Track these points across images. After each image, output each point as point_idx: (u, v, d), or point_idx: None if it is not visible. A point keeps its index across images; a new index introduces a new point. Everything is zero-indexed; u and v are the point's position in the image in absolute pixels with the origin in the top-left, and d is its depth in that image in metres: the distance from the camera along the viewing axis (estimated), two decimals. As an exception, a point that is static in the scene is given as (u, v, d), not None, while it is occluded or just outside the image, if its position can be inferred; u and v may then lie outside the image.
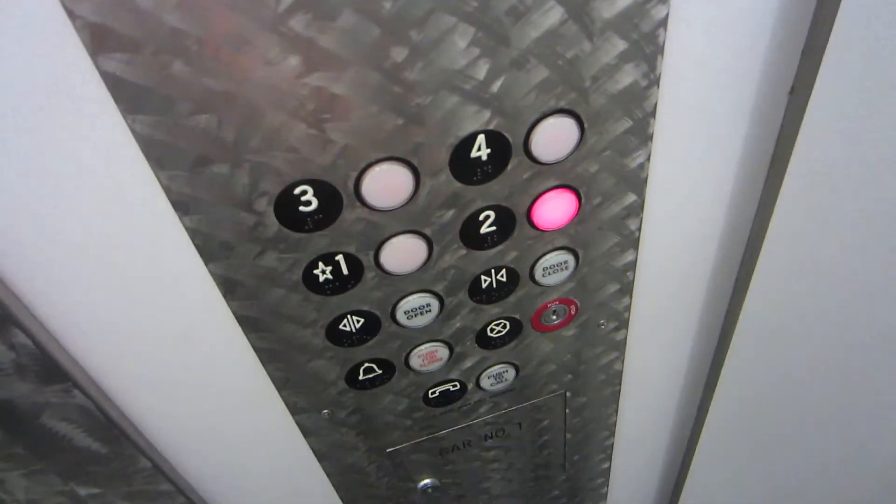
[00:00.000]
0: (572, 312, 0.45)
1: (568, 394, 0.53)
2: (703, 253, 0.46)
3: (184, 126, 0.28)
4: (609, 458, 0.65)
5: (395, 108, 0.30)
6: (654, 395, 0.59)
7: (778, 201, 0.39)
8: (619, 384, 0.55)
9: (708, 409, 0.59)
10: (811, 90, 0.34)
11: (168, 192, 0.30)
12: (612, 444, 0.63)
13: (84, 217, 0.30)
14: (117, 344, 0.36)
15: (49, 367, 0.34)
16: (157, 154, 0.28)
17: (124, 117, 0.27)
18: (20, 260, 0.31)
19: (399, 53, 0.28)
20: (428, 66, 0.29)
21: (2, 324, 0.31)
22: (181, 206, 0.30)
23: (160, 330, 0.37)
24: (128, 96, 0.26)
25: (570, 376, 0.51)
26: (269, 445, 0.47)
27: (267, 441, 0.47)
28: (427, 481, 0.56)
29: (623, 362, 0.53)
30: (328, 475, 0.51)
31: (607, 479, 0.69)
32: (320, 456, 0.49)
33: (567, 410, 0.55)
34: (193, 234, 0.32)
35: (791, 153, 0.37)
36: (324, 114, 0.29)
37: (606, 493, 0.72)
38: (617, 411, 0.58)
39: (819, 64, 0.33)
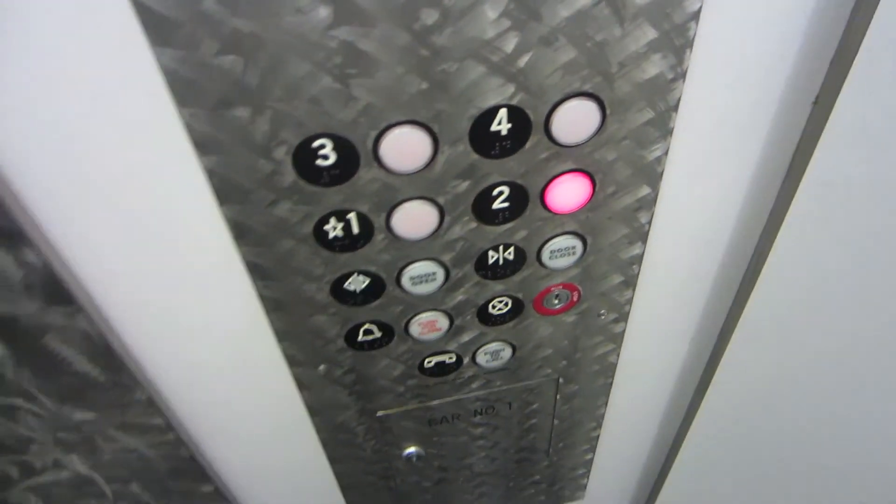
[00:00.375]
0: (574, 299, 0.46)
1: (561, 380, 0.54)
2: (709, 255, 0.46)
3: (210, 64, 0.28)
4: (593, 450, 0.66)
5: (420, 72, 0.30)
6: (644, 393, 0.60)
7: (790, 210, 0.39)
8: (613, 377, 0.55)
9: (695, 414, 0.60)
10: (835, 102, 0.34)
11: (189, 129, 0.30)
12: (598, 436, 0.64)
13: (103, 144, 0.31)
14: (125, 274, 0.37)
15: (56, 289, 0.35)
16: (182, 90, 0.29)
17: (152, 49, 0.27)
18: (36, 181, 0.32)
19: (429, 16, 0.28)
20: (457, 32, 0.29)
21: (14, 241, 0.32)
22: (201, 145, 0.31)
23: (168, 266, 0.37)
24: (158, 27, 0.27)
25: (564, 363, 0.52)
26: (263, 395, 0.48)
27: (262, 390, 0.48)
28: (412, 450, 0.57)
29: (619, 355, 0.53)
30: (317, 431, 0.52)
31: (588, 471, 0.69)
32: (312, 412, 0.50)
33: (558, 396, 0.56)
34: (210, 174, 0.32)
35: (808, 163, 0.37)
36: (349, 69, 0.30)
37: (586, 485, 0.72)
38: (607, 404, 0.59)
39: (846, 76, 0.33)
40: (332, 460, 0.56)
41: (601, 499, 0.77)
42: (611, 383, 0.56)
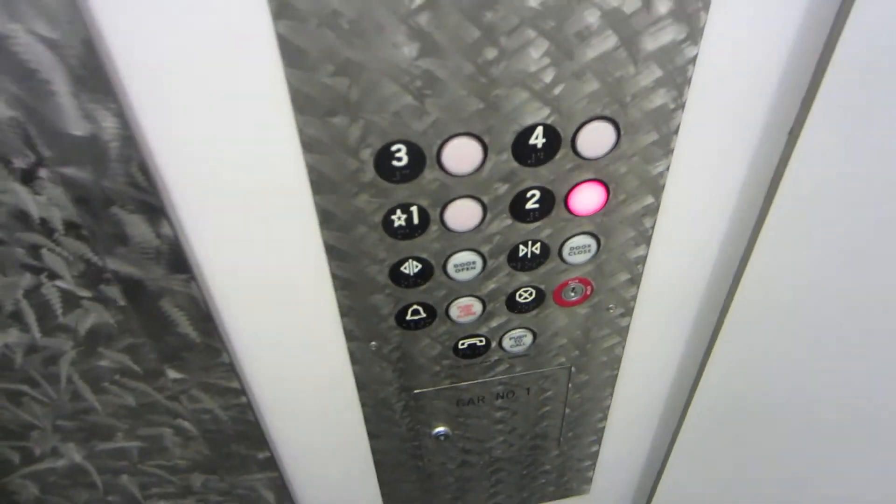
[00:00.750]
0: (587, 292, 0.54)
1: (573, 369, 0.62)
2: (703, 258, 0.55)
3: (324, 83, 0.37)
4: (599, 442, 0.73)
5: (478, 95, 0.40)
6: (645, 387, 0.68)
7: (767, 220, 0.48)
8: (618, 369, 0.64)
9: (688, 410, 0.67)
10: (801, 132, 0.43)
11: (301, 132, 0.39)
12: (604, 427, 0.71)
13: (233, 144, 0.40)
14: (226, 251, 0.46)
15: (179, 259, 0.43)
16: (301, 101, 0.38)
17: (285, 69, 0.37)
18: (175, 168, 0.41)
19: (490, 53, 0.38)
20: (509, 66, 0.39)
21: (157, 215, 0.41)
22: (307, 145, 0.40)
23: (263, 247, 0.46)
24: (292, 53, 0.36)
25: (577, 352, 0.60)
26: (321, 368, 0.56)
27: (321, 363, 0.56)
28: (441, 429, 0.65)
29: (624, 348, 0.61)
30: (362, 405, 0.60)
31: (594, 464, 0.77)
32: (360, 385, 0.58)
33: (570, 385, 0.64)
34: (310, 169, 0.41)
35: (781, 182, 0.46)
36: (426, 90, 0.39)
37: (591, 479, 0.80)
38: (612, 395, 0.67)
39: (809, 112, 0.42)
40: (371, 436, 0.64)
41: (604, 494, 0.84)
42: (616, 375, 0.64)
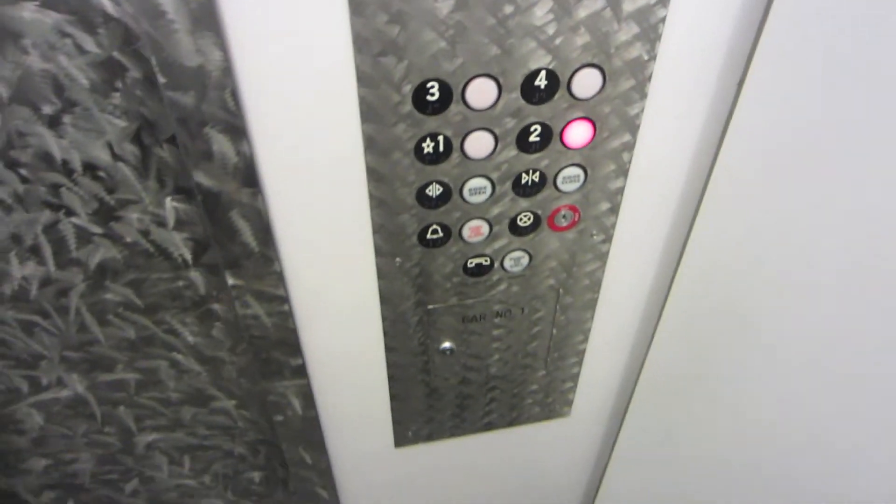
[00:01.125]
0: (576, 219, 0.66)
1: (560, 290, 0.73)
2: (671, 187, 0.66)
3: (379, 28, 0.48)
4: (580, 364, 0.85)
5: (497, 43, 0.51)
6: (622, 310, 0.79)
7: (720, 156, 0.60)
8: (598, 292, 0.75)
9: (654, 335, 0.79)
10: (744, 83, 0.55)
11: (357, 69, 0.50)
12: (585, 349, 0.83)
13: (301, 79, 0.51)
14: (287, 172, 0.56)
15: (252, 174, 0.54)
16: (360, 43, 0.49)
17: (350, 18, 0.47)
18: (251, 94, 0.51)
19: (507, 9, 0.49)
20: (521, 20, 0.50)
21: (238, 134, 0.51)
22: (361, 79, 0.51)
23: (317, 169, 0.56)
24: (356, 3, 0.47)
25: (564, 275, 0.72)
26: (351, 281, 0.67)
27: (350, 277, 0.66)
28: (447, 344, 0.76)
29: (604, 273, 0.73)
30: (383, 318, 0.71)
31: (575, 385, 0.89)
32: (383, 299, 0.69)
33: (557, 306, 0.75)
34: (362, 101, 0.52)
35: (730, 123, 0.57)
36: (457, 38, 0.50)
37: (572, 401, 0.92)
38: (593, 318, 0.78)
39: (751, 66, 0.54)
40: (388, 349, 0.75)
41: (584, 417, 0.96)
42: (597, 299, 0.76)
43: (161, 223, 0.63)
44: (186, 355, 0.77)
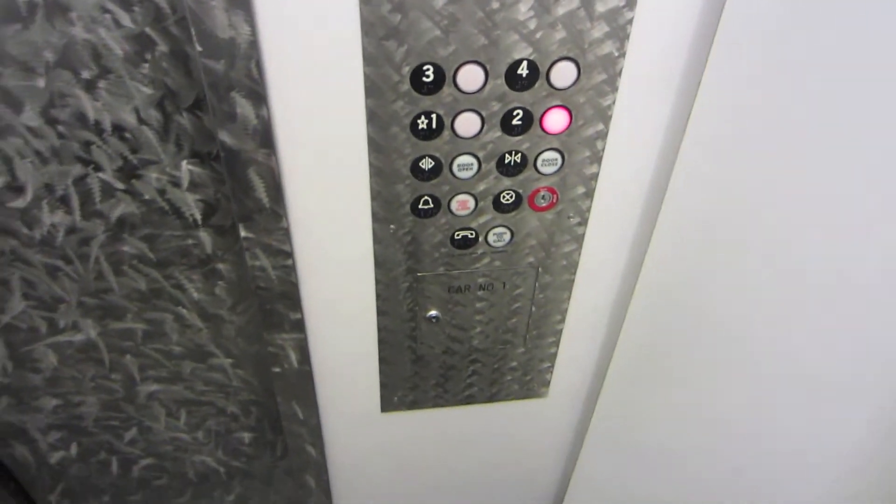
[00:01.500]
0: (554, 200, 0.74)
1: (539, 269, 0.81)
2: (641, 175, 0.74)
3: (384, 16, 0.56)
4: (557, 344, 0.92)
5: (485, 33, 0.59)
6: (596, 292, 0.87)
7: (682, 145, 0.67)
8: (575, 274, 0.83)
9: (625, 316, 0.86)
10: (701, 80, 0.63)
11: (364, 49, 0.58)
12: (562, 330, 0.90)
13: (314, 50, 0.59)
14: (298, 138, 0.64)
15: (268, 136, 0.62)
16: (367, 27, 0.57)
17: (360, 6, 0.56)
18: (273, 65, 0.59)
19: (495, 4, 0.57)
20: (506, 15, 0.58)
21: (258, 99, 0.59)
22: (366, 59, 0.59)
23: (324, 134, 0.65)
24: (367, -7, 0.55)
25: (543, 254, 0.79)
26: (349, 245, 0.75)
27: (349, 242, 0.74)
28: (433, 312, 0.84)
29: (580, 255, 0.80)
30: (377, 282, 0.79)
31: (552, 365, 0.96)
32: (378, 263, 0.77)
33: (536, 284, 0.83)
34: (366, 77, 0.60)
35: (691, 115, 0.65)
36: (450, 27, 0.58)
37: (549, 381, 0.99)
38: (569, 299, 0.86)
39: (707, 62, 0.61)
40: (380, 312, 0.83)
41: (559, 399, 1.03)
42: (573, 280, 0.83)
43: (176, 184, 0.72)
44: (190, 311, 0.85)
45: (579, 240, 0.78)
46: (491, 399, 0.99)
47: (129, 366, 0.92)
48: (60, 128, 0.66)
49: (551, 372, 0.97)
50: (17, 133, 0.66)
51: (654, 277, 0.81)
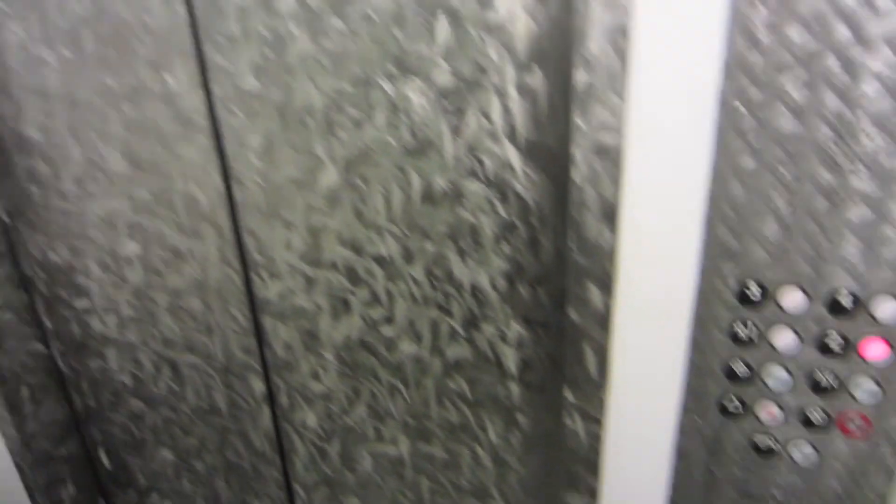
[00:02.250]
0: (867, 430, 0.74)
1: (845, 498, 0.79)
2: None
3: (723, 241, 0.68)
4: None
5: (809, 262, 0.66)
6: None
7: None
8: (884, 511, 0.79)
9: None
10: None
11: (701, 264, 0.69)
12: None
13: (646, 281, 0.71)
14: (632, 325, 0.76)
15: (607, 321, 0.75)
16: (706, 247, 0.68)
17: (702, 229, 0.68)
18: (622, 267, 0.73)
19: (822, 240, 0.65)
20: (834, 251, 0.65)
21: (607, 290, 0.73)
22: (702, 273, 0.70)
23: (647, 327, 0.75)
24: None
25: (852, 485, 0.78)
26: (652, 431, 0.82)
27: (653, 429, 0.81)
28: (723, 514, 0.85)
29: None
30: (675, 472, 0.84)
31: None
32: (679, 454, 0.82)
33: (838, 512, 0.81)
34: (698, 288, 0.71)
35: None
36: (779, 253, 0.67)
37: None
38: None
39: None
40: (671, 502, 0.87)
41: None
42: (881, 518, 0.80)
43: (504, 339, 0.88)
44: (486, 451, 0.99)
45: (889, 472, 0.76)
46: None
47: (423, 488, 1.06)
48: (434, 281, 0.87)
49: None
50: (403, 278, 0.88)
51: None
